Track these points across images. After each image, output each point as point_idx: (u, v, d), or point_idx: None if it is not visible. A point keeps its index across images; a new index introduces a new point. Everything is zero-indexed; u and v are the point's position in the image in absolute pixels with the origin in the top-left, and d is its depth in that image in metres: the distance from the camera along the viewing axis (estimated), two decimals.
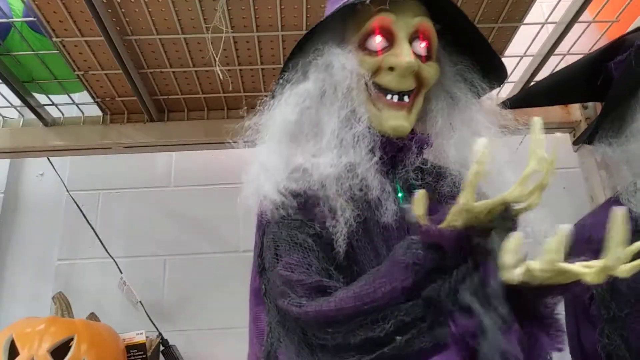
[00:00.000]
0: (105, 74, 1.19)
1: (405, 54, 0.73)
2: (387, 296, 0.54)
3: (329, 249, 0.68)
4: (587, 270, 0.47)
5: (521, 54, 1.25)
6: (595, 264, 0.47)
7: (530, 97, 0.97)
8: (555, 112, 1.38)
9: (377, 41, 0.75)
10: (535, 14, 1.16)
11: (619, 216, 0.44)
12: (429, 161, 0.79)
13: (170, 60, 1.17)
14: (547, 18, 1.16)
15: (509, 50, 1.24)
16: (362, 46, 0.77)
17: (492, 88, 0.82)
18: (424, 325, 0.52)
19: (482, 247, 0.51)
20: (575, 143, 1.37)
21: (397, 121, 0.74)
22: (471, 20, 1.11)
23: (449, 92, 0.81)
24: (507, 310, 0.48)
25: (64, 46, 1.10)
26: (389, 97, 0.75)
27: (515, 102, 0.94)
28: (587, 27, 1.19)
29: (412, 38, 0.76)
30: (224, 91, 1.28)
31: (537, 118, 0.49)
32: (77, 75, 1.19)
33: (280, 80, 0.80)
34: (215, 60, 1.06)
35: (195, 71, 1.20)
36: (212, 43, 1.08)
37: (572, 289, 0.50)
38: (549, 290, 0.51)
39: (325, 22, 0.78)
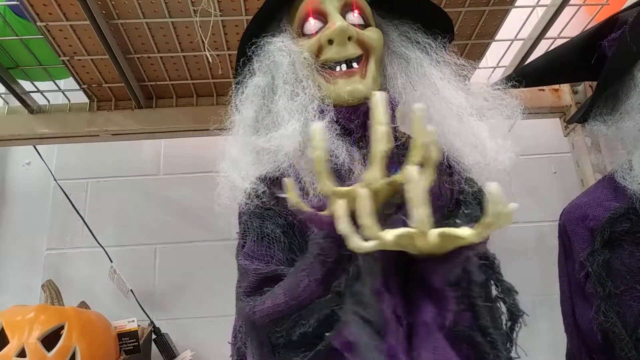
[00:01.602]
0: (92, 60, 1.17)
1: (336, 21, 0.76)
2: (307, 290, 0.54)
3: (302, 233, 0.68)
4: (468, 231, 0.46)
5: (512, 38, 1.25)
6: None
7: (523, 77, 0.97)
8: (546, 96, 1.39)
9: (312, 24, 0.79)
10: None
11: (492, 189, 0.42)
12: (404, 134, 0.79)
13: (158, 45, 1.15)
14: (538, 1, 1.16)
15: (500, 34, 1.23)
16: (300, 33, 0.81)
17: (436, 39, 0.82)
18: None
19: None
20: (568, 122, 1.37)
21: (351, 85, 0.75)
22: (461, 4, 1.11)
23: (400, 54, 0.82)
24: (375, 311, 0.46)
25: (48, 31, 1.08)
26: (337, 68, 0.77)
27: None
28: (577, 11, 1.19)
29: (344, 11, 0.79)
30: (213, 77, 1.27)
31: (379, 93, 0.48)
32: (63, 60, 1.17)
33: (234, 86, 0.83)
34: (204, 44, 1.05)
35: (184, 56, 1.19)
36: (200, 27, 1.07)
37: (456, 258, 0.49)
38: (438, 260, 0.49)
39: (260, 22, 0.82)
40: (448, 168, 0.74)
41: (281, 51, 0.77)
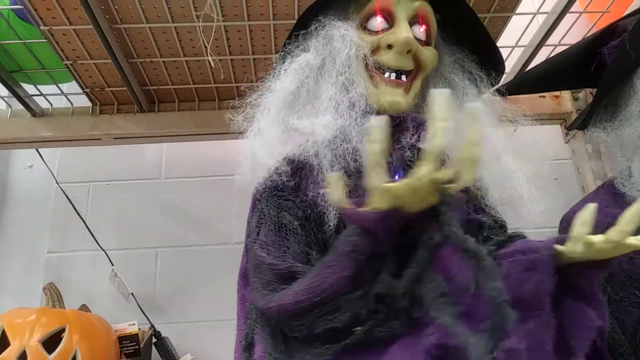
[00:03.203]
0: (94, 64, 1.18)
1: (403, 31, 0.75)
2: (334, 286, 0.54)
3: (319, 226, 0.69)
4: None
5: (512, 44, 1.26)
6: None
7: (523, 84, 0.98)
8: (547, 103, 1.39)
9: (378, 21, 0.78)
10: (526, 5, 1.16)
11: None
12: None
13: (161, 49, 1.15)
14: (539, 8, 1.16)
15: (501, 41, 1.24)
16: (363, 26, 0.80)
17: (489, 77, 0.83)
18: (378, 317, 0.52)
19: (430, 232, 0.50)
20: (568, 128, 1.37)
21: (394, 97, 0.76)
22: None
23: (447, 79, 0.82)
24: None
25: (52, 35, 1.09)
26: (386, 74, 0.77)
27: (508, 90, 0.94)
28: (578, 18, 1.20)
29: (412, 22, 0.78)
30: (215, 81, 1.27)
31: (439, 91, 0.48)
32: (66, 64, 1.17)
33: (282, 53, 0.81)
34: (206, 49, 1.05)
35: (186, 61, 1.19)
36: (203, 32, 1.07)
37: (610, 264, 0.50)
38: (591, 265, 0.50)
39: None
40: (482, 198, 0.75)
41: (344, 40, 0.76)
